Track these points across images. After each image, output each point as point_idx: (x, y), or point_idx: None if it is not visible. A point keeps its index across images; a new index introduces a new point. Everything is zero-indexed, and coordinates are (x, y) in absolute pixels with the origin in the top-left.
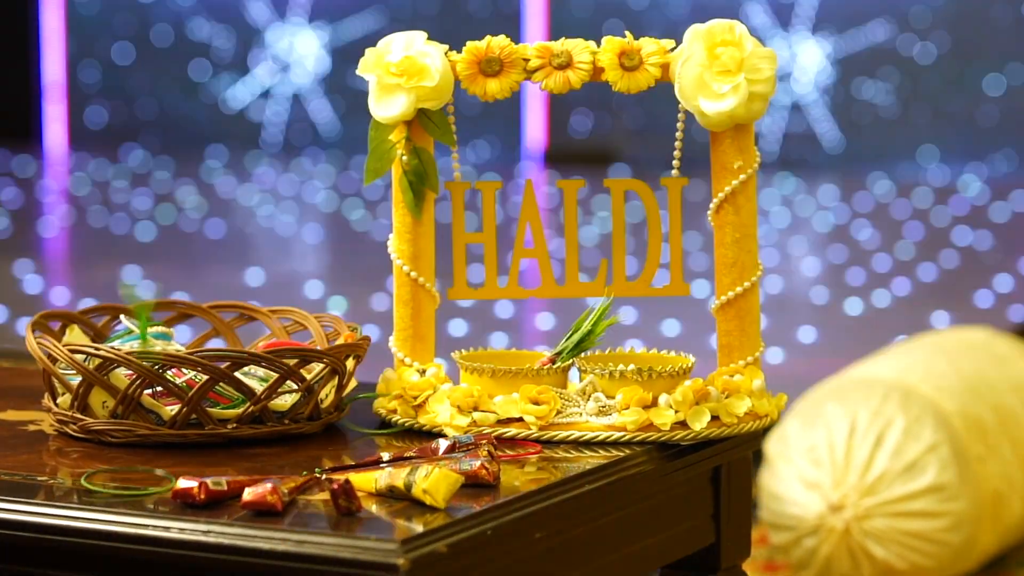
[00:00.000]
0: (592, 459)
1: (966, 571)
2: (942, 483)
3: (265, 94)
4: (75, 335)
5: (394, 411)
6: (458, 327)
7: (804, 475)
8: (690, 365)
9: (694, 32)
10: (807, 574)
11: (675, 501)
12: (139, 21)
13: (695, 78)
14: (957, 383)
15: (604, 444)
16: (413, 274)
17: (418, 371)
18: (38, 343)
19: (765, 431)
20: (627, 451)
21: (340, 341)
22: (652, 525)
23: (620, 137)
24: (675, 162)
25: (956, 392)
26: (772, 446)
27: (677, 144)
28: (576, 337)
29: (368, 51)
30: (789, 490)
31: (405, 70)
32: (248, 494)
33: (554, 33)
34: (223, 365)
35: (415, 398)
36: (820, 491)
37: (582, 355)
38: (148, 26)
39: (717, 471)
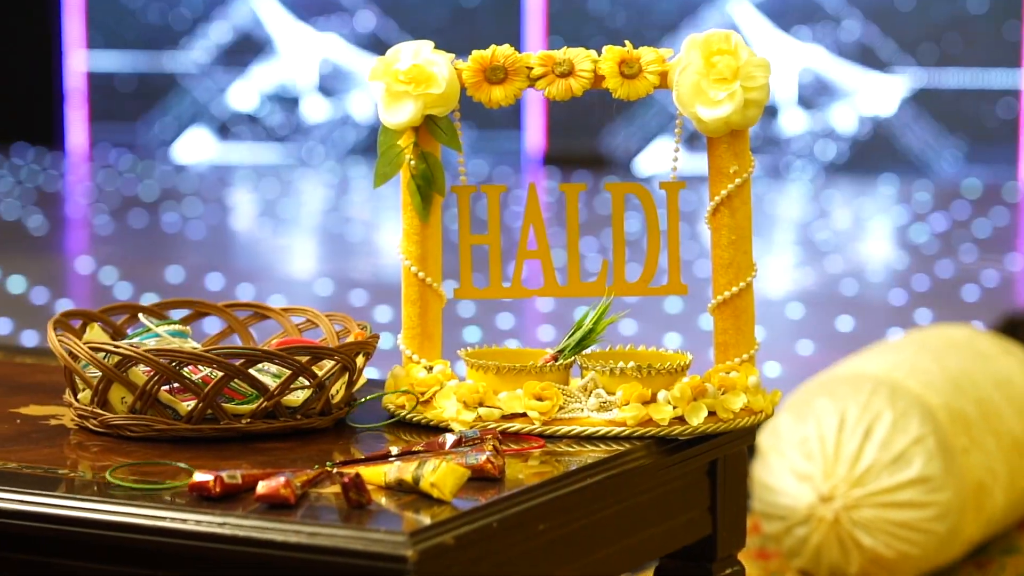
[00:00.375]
0: (593, 453)
1: (951, 559)
2: (928, 474)
3: (275, 96)
4: (95, 333)
5: (402, 406)
6: (465, 326)
7: (795, 467)
8: (688, 362)
9: (691, 41)
10: (798, 562)
11: (673, 494)
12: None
13: (692, 85)
14: (942, 379)
15: (605, 439)
16: (421, 274)
17: (425, 368)
18: (59, 340)
19: (760, 426)
20: (627, 445)
21: (350, 339)
22: (651, 517)
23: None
24: (673, 166)
25: (941, 387)
26: (765, 439)
27: (675, 149)
28: (577, 335)
29: (377, 59)
30: (781, 481)
31: (413, 78)
32: (262, 487)
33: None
34: (238, 362)
35: (423, 394)
36: (811, 482)
37: (583, 352)
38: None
39: (713, 465)
